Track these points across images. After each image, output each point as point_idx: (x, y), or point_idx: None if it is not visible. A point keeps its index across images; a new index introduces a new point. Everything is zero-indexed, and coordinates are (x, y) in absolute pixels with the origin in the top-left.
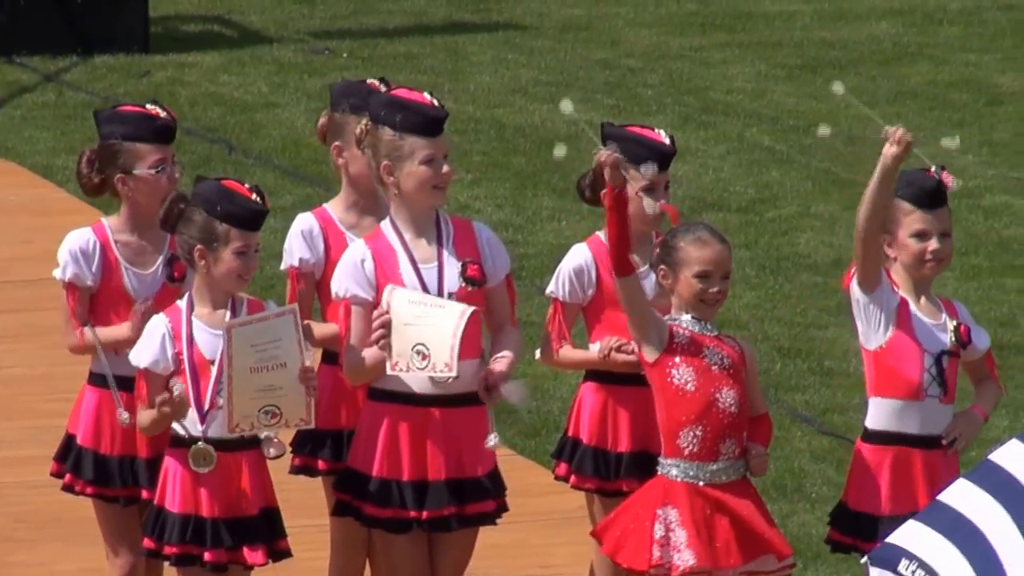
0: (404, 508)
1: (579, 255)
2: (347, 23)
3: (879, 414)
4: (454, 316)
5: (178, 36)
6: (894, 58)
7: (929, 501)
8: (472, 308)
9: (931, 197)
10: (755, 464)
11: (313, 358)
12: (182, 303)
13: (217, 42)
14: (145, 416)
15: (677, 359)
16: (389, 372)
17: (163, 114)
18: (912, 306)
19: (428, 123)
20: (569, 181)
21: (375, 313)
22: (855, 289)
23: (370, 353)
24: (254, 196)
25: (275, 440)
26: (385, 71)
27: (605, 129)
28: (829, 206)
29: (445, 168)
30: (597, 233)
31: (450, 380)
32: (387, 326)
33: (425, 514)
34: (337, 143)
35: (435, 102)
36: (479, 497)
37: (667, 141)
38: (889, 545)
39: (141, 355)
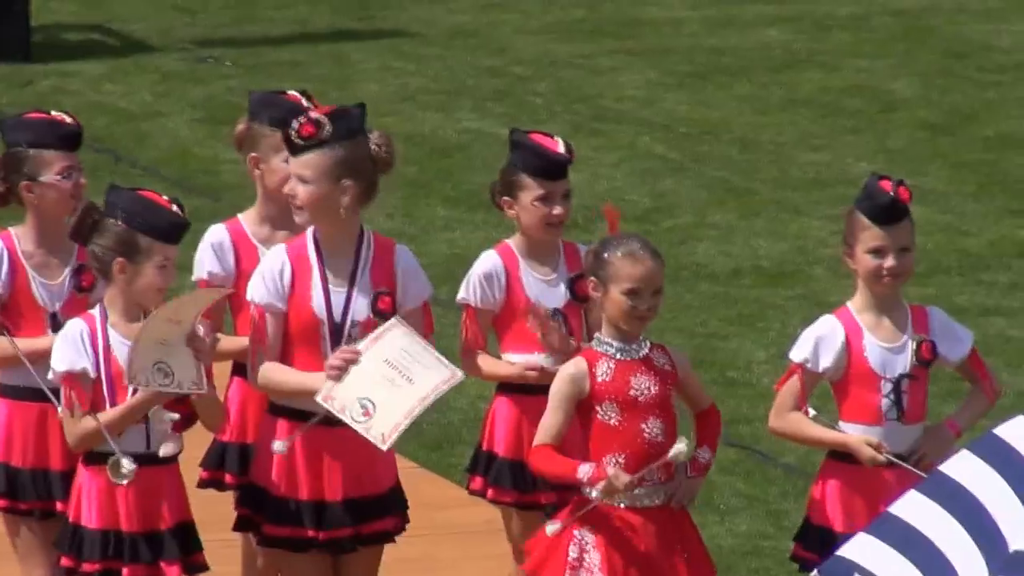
0: (302, 527)
1: (488, 261)
2: (230, 31)
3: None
4: (429, 384)
5: (60, 45)
6: (785, 65)
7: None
8: (459, 376)
9: (888, 213)
10: (679, 496)
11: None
12: (95, 312)
13: (99, 51)
14: (86, 424)
15: (604, 402)
16: (319, 398)
17: (69, 121)
18: (865, 336)
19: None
20: (461, 190)
21: (345, 349)
22: None
23: (308, 380)
24: (174, 208)
25: (171, 434)
26: (270, 79)
27: (512, 136)
28: (726, 215)
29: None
30: (506, 241)
31: (379, 447)
32: (351, 363)
33: (322, 535)
34: (254, 154)
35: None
36: (378, 515)
37: (560, 150)
38: (838, 558)
39: (64, 359)
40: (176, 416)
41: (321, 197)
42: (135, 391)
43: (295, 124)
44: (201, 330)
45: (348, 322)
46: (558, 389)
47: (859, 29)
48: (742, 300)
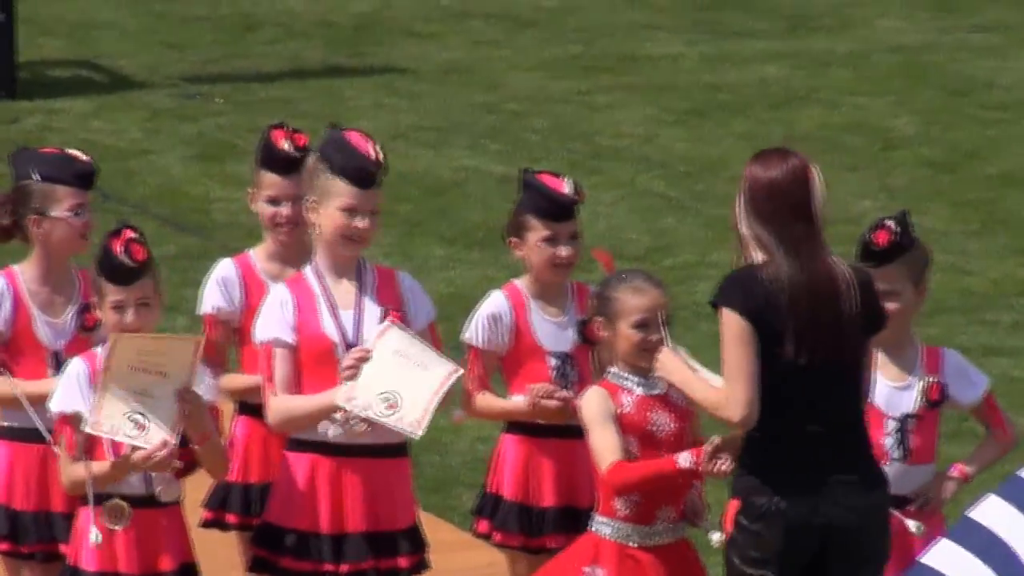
0: (322, 561)
1: (496, 303)
2: (220, 67)
3: None
4: (439, 376)
5: (46, 82)
6: (784, 102)
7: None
8: (460, 371)
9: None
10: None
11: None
12: (99, 351)
13: (87, 88)
14: (80, 468)
15: (625, 434)
16: (341, 403)
17: (85, 158)
18: (875, 373)
19: (360, 173)
20: (457, 228)
21: (355, 349)
22: None
23: (322, 398)
24: (120, 252)
25: (167, 477)
26: (261, 116)
27: (524, 176)
28: (726, 254)
29: (364, 222)
30: (514, 281)
31: (413, 436)
32: (364, 361)
33: (344, 567)
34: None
35: (373, 153)
36: (397, 551)
37: (566, 191)
38: None
39: (60, 400)
40: (179, 464)
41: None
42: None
43: (374, 158)
44: (202, 385)
45: (361, 341)
46: (595, 409)
47: (859, 66)
48: None
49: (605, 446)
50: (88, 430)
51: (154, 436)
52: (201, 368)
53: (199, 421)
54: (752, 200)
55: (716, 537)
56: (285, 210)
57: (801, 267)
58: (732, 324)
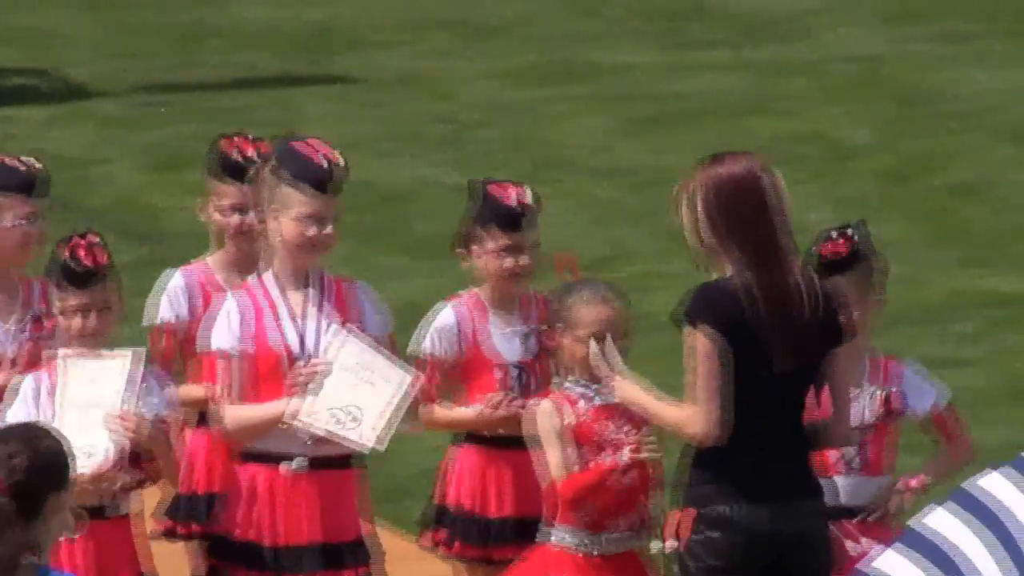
0: (274, 572)
1: (447, 313)
2: (174, 76)
3: None
4: (399, 386)
5: (0, 90)
6: (740, 112)
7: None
8: (418, 375)
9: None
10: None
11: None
12: (51, 365)
13: (40, 96)
14: None
15: (576, 444)
16: (295, 422)
17: (34, 166)
18: None
19: (317, 177)
20: (413, 238)
21: (308, 362)
22: None
23: (272, 407)
24: (82, 254)
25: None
26: (216, 124)
27: (472, 186)
28: (682, 263)
29: (325, 229)
30: (472, 291)
31: (378, 450)
32: (319, 375)
33: None
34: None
35: (330, 159)
36: (349, 563)
37: (512, 203)
38: None
39: (17, 414)
40: (128, 479)
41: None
42: None
43: (328, 165)
44: (151, 399)
45: (318, 351)
46: (541, 426)
47: (814, 76)
48: None
49: (554, 463)
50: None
51: (93, 460)
52: (151, 382)
53: (146, 438)
54: (715, 201)
55: (655, 546)
56: (249, 219)
57: (771, 276)
58: (704, 341)
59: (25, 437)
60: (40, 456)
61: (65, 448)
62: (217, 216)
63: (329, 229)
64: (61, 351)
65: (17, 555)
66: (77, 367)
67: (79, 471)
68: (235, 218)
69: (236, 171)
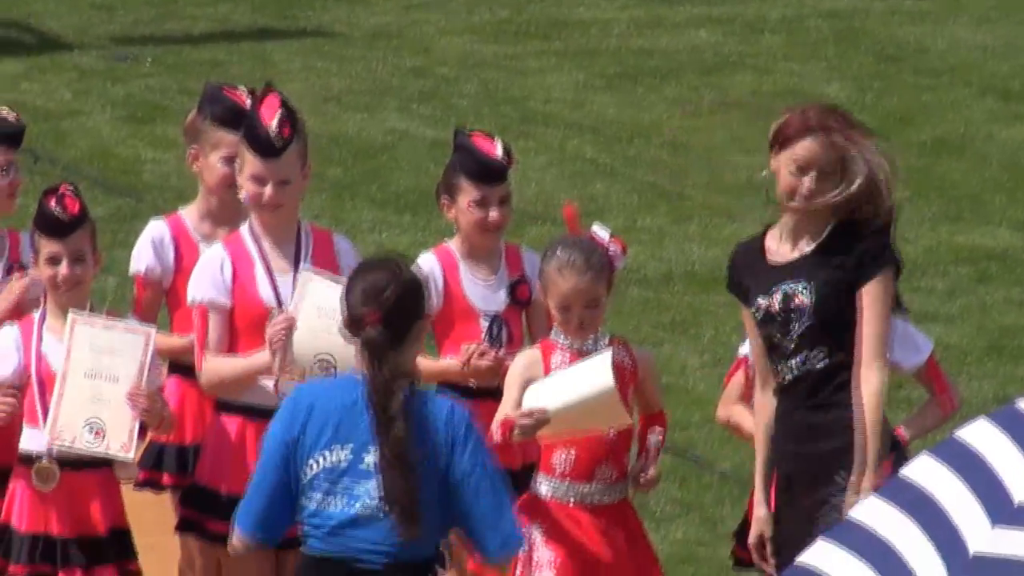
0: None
1: (426, 265)
2: (150, 29)
3: None
4: None
5: None
6: (715, 67)
7: None
8: None
9: None
10: (641, 487)
11: (160, 379)
12: (35, 314)
13: (15, 49)
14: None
15: None
16: (275, 378)
17: (11, 117)
18: None
19: (262, 143)
20: (387, 192)
21: (277, 315)
22: None
23: (254, 359)
24: (54, 204)
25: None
26: (191, 78)
27: (456, 137)
28: (657, 219)
29: (268, 191)
30: (446, 243)
31: None
32: (290, 328)
33: None
34: (194, 147)
35: (276, 126)
36: None
37: (498, 154)
38: (799, 567)
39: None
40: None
41: (301, 190)
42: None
43: (273, 128)
44: (153, 385)
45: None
46: (512, 371)
47: (791, 32)
48: (675, 306)
49: (503, 406)
50: (48, 443)
51: (113, 442)
52: (153, 355)
53: (155, 414)
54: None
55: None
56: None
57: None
58: (891, 286)
59: (391, 269)
60: (406, 286)
61: (421, 277)
62: (219, 166)
63: (269, 189)
64: (71, 311)
65: (393, 381)
66: (88, 333)
67: (88, 449)
68: (231, 168)
69: (237, 120)
